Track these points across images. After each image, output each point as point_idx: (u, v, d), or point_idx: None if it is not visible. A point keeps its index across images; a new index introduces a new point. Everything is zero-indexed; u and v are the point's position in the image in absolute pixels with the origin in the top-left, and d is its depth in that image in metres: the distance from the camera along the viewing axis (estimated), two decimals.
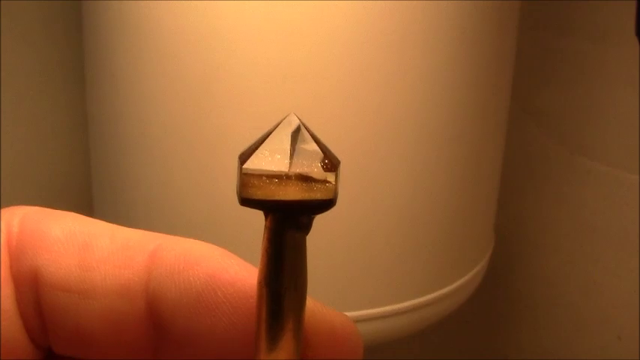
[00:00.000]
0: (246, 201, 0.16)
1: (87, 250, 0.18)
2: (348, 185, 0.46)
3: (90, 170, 0.57)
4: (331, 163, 0.16)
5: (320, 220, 0.52)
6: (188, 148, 0.46)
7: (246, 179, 0.16)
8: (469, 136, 0.50)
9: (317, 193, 0.15)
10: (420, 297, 0.51)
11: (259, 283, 0.16)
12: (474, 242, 0.56)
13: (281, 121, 0.16)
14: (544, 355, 0.75)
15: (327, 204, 0.16)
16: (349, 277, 0.49)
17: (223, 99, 0.45)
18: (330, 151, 0.16)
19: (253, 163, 0.16)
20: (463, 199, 0.52)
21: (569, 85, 0.67)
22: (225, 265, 0.18)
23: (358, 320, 0.49)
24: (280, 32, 0.43)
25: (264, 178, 0.15)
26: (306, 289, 0.16)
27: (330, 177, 0.16)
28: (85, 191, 0.59)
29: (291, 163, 0.16)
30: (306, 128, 0.16)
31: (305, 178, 0.15)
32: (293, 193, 0.15)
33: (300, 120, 0.17)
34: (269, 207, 0.16)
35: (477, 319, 0.78)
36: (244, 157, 0.16)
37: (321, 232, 0.47)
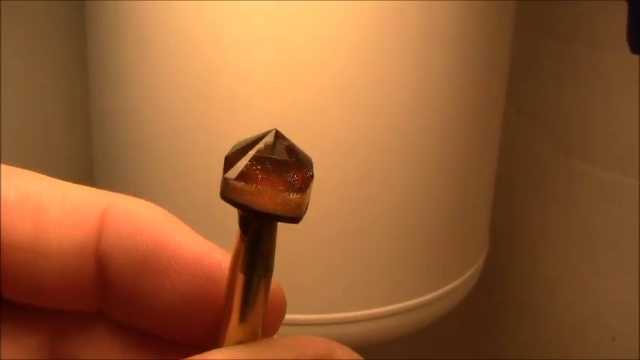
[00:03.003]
0: (229, 201, 0.17)
1: (40, 210, 0.19)
2: (343, 188, 0.46)
3: (92, 168, 0.57)
4: (306, 176, 0.17)
5: (315, 224, 0.52)
6: (190, 147, 0.47)
7: (235, 185, 0.17)
8: (464, 139, 0.50)
9: (290, 210, 0.17)
10: (415, 298, 0.51)
11: (233, 269, 0.18)
12: (469, 244, 0.56)
13: (266, 134, 0.18)
14: (539, 355, 0.75)
15: (295, 220, 0.17)
16: (345, 279, 0.49)
17: (226, 98, 0.45)
18: (308, 163, 0.18)
19: (241, 172, 0.17)
20: (458, 201, 0.52)
21: (565, 88, 0.67)
22: (170, 231, 0.19)
23: (354, 321, 0.49)
24: (281, 34, 0.44)
25: (253, 187, 0.17)
26: (272, 273, 0.18)
27: (304, 194, 0.17)
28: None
29: (277, 181, 0.17)
30: (290, 141, 0.18)
31: (285, 190, 0.17)
32: (272, 206, 0.17)
33: (283, 134, 0.18)
34: (248, 213, 0.17)
35: (472, 320, 0.78)
36: (231, 161, 0.17)
37: (316, 235, 0.47)
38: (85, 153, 0.61)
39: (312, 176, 0.17)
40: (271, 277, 0.18)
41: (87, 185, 0.20)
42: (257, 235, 0.18)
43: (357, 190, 0.47)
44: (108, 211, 0.19)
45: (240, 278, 0.18)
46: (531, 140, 0.70)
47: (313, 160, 0.18)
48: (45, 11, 0.60)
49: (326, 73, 0.44)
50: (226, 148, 0.18)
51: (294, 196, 0.17)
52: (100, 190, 0.20)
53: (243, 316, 0.18)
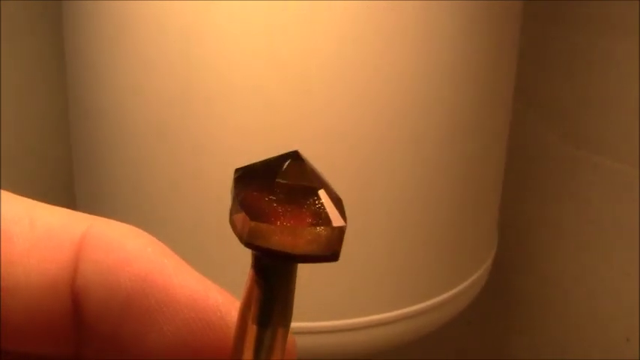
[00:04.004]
0: (253, 248, 0.14)
1: (5, 239, 0.16)
2: (349, 187, 0.44)
3: (72, 168, 0.55)
4: (334, 199, 0.15)
5: None
6: (172, 146, 0.45)
7: (253, 226, 0.14)
8: (472, 134, 0.49)
9: (325, 248, 0.14)
10: (424, 301, 0.49)
11: (243, 318, 0.15)
12: (478, 244, 0.54)
13: (286, 159, 0.15)
14: (550, 357, 0.74)
15: (335, 257, 0.15)
16: (352, 283, 0.47)
17: (208, 95, 0.43)
18: (338, 200, 0.15)
19: (260, 209, 0.14)
20: (466, 200, 0.50)
21: (574, 78, 0.66)
22: (160, 266, 0.16)
23: (361, 327, 0.48)
24: (273, 20, 0.42)
25: (276, 226, 0.14)
26: (291, 321, 0.16)
27: (339, 230, 0.14)
28: (68, 189, 0.57)
29: (302, 213, 0.14)
30: (316, 171, 0.15)
31: (315, 230, 0.14)
32: (304, 245, 0.14)
33: (307, 160, 0.15)
34: (276, 256, 0.14)
35: (481, 320, 0.77)
36: (243, 196, 0.14)
37: None
38: (64, 154, 0.59)
39: (340, 199, 0.15)
40: (290, 324, 0.16)
41: (67, 188, 0.17)
42: (278, 280, 0.15)
43: (362, 190, 0.45)
44: (86, 239, 0.16)
45: (252, 330, 0.15)
46: (540, 131, 0.69)
47: (310, 156, 0.15)
48: (20, 4, 0.59)
49: (323, 61, 0.42)
50: (209, 147, 0.15)
51: (325, 229, 0.14)
52: (77, 213, 0.17)
53: None
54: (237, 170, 0.15)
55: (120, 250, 0.16)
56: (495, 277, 0.60)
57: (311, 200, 0.14)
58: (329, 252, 0.14)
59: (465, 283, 0.52)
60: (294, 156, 0.15)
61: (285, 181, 0.14)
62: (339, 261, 0.47)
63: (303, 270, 0.47)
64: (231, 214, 0.14)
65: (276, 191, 0.14)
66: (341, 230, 0.14)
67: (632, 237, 0.65)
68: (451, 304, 0.51)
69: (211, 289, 0.16)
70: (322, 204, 0.14)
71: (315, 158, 0.15)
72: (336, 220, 0.14)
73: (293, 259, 0.14)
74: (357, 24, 0.42)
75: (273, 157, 0.15)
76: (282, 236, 0.14)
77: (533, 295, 0.74)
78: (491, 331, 0.79)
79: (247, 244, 0.14)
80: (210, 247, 0.45)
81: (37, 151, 0.63)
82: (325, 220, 0.14)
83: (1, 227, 0.16)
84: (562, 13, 0.65)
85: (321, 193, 0.14)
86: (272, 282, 0.15)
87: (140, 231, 0.17)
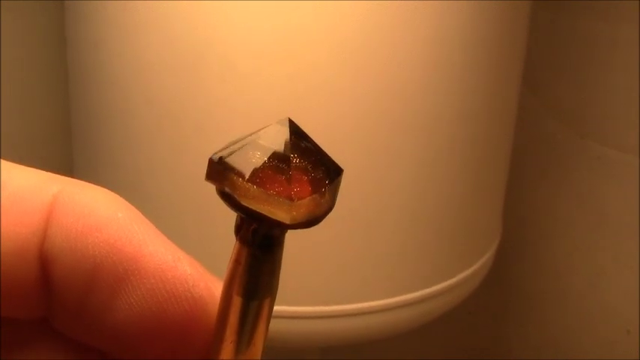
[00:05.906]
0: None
1: None
2: (354, 173, 0.44)
3: (71, 145, 0.55)
4: (332, 175, 0.15)
5: None
6: (174, 123, 0.44)
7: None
8: (478, 123, 0.48)
9: (320, 209, 0.14)
10: (427, 288, 0.49)
11: (228, 292, 0.15)
12: (482, 232, 0.54)
13: (277, 126, 0.15)
14: (549, 348, 0.74)
15: (322, 217, 0.15)
16: (356, 269, 0.47)
17: (213, 72, 0.42)
18: (331, 160, 0.15)
19: (253, 175, 0.14)
20: (471, 188, 0.50)
21: (580, 67, 0.65)
22: (130, 233, 0.16)
23: (365, 313, 0.47)
24: (275, 4, 0.41)
25: (267, 193, 0.14)
26: (277, 293, 0.16)
27: (330, 192, 0.15)
28: (67, 167, 0.57)
29: (294, 177, 0.14)
30: (307, 136, 0.15)
31: (309, 195, 0.14)
32: (323, 207, 0.14)
33: (298, 126, 0.15)
34: (269, 224, 0.14)
35: (480, 310, 0.77)
36: (237, 159, 0.14)
37: (326, 223, 0.44)
38: (64, 146, 0.58)
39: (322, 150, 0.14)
40: (275, 296, 0.15)
41: (66, 165, 0.16)
42: (277, 249, 0.15)
43: (367, 177, 0.45)
44: (57, 202, 0.16)
45: (237, 302, 0.15)
46: (544, 121, 0.69)
47: (318, 141, 0.15)
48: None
49: (331, 40, 0.42)
50: (212, 125, 0.14)
51: (331, 186, 0.14)
52: (49, 175, 0.16)
53: (241, 348, 0.15)
54: (216, 158, 0.14)
55: (90, 215, 0.16)
56: (496, 267, 0.59)
57: (296, 160, 0.14)
58: (333, 204, 0.14)
59: (468, 271, 0.52)
60: (282, 124, 0.14)
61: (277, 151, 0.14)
62: (341, 248, 0.47)
63: (303, 256, 0.46)
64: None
65: (272, 163, 0.14)
66: (339, 179, 0.14)
67: (633, 228, 0.65)
68: (453, 292, 0.51)
69: (181, 259, 0.16)
70: (310, 159, 0.14)
71: (322, 143, 0.15)
72: (334, 170, 0.14)
73: (314, 223, 0.14)
74: (369, 10, 0.41)
75: (255, 131, 0.14)
76: (308, 207, 0.14)
77: (534, 285, 0.74)
78: (492, 321, 0.78)
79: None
80: (209, 225, 0.44)
81: (37, 146, 0.63)
82: (323, 174, 0.14)
83: None
84: (567, 2, 0.65)
85: (303, 149, 0.14)
86: (272, 252, 0.15)
87: (114, 195, 0.16)
